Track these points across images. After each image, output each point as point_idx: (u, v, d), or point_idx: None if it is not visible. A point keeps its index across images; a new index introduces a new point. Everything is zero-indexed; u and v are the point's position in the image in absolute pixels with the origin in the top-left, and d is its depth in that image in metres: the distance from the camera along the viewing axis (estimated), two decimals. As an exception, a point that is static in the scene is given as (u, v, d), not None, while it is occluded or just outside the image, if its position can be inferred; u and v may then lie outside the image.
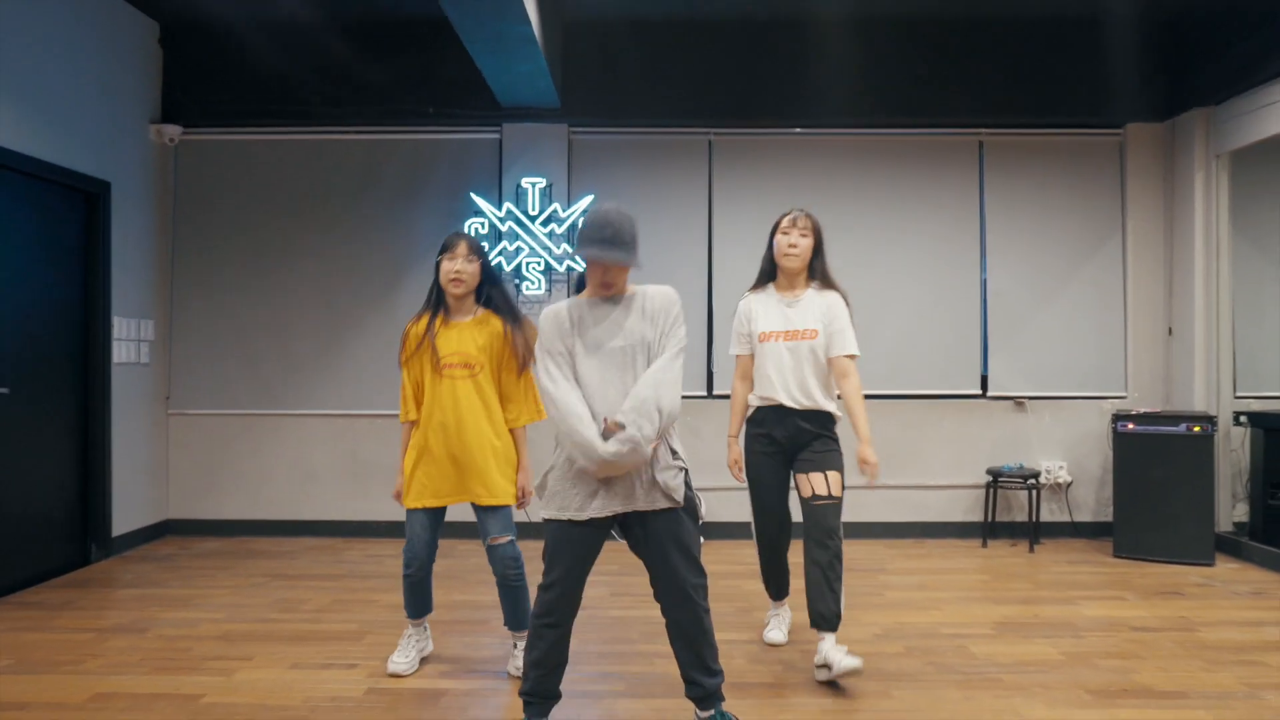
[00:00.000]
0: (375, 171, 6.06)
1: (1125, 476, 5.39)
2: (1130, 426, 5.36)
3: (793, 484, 3.62)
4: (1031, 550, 5.59)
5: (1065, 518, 5.95)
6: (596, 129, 6.05)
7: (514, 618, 3.42)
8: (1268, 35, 5.05)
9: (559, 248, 5.87)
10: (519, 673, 3.34)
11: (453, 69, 5.78)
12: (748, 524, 5.97)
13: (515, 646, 3.48)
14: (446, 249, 3.31)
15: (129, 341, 5.58)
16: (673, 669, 3.16)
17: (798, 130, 6.09)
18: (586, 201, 5.88)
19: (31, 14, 4.69)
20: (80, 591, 4.64)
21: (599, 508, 2.68)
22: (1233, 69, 5.36)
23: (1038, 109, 5.95)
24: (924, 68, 5.92)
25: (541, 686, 2.75)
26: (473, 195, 5.91)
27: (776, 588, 3.87)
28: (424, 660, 3.57)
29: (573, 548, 2.71)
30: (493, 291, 3.40)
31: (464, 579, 4.89)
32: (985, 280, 6.05)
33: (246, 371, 6.03)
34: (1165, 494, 5.26)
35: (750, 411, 3.67)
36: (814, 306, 3.55)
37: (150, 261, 5.84)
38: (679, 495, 2.72)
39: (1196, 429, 5.22)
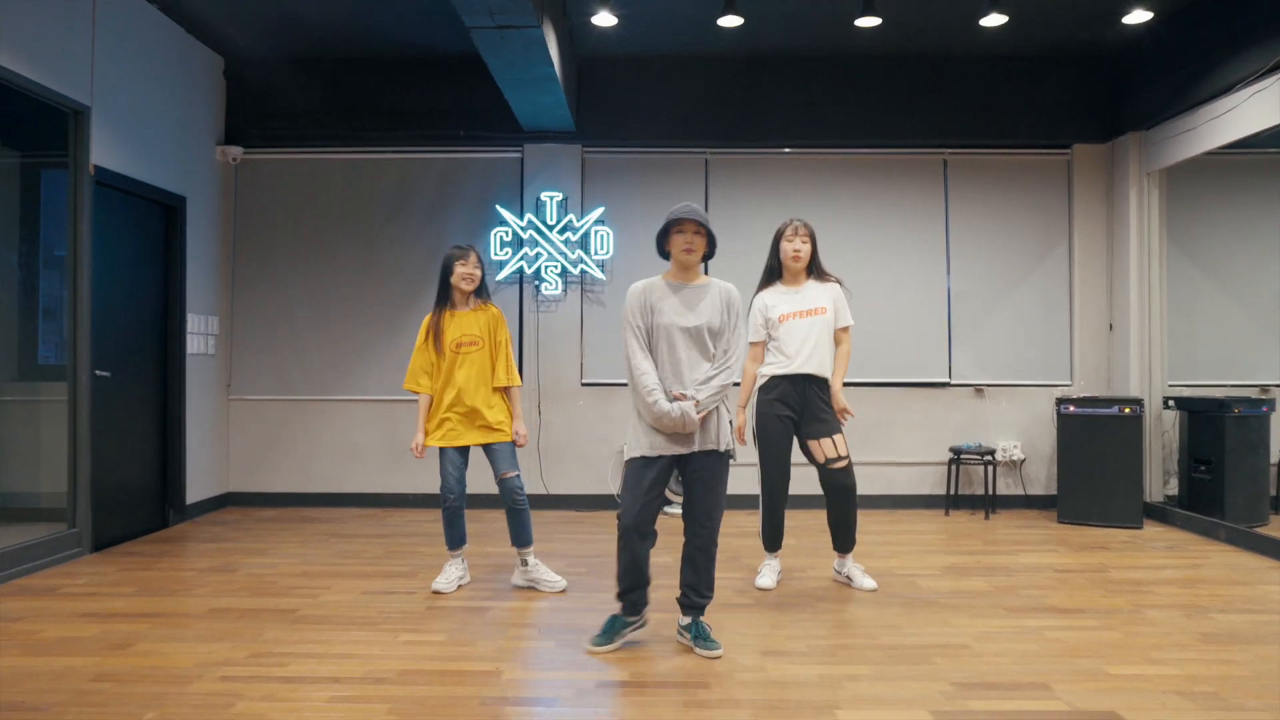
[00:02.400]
0: (411, 186, 6.89)
1: (1067, 452, 6.19)
2: (1071, 408, 6.17)
3: (798, 453, 4.44)
4: (987, 518, 6.39)
5: (1019, 490, 6.76)
6: (607, 149, 6.87)
7: (519, 537, 4.38)
8: (1190, 70, 5.85)
9: (574, 253, 6.69)
10: (526, 582, 4.41)
11: (480, 98, 6.60)
12: (740, 495, 6.79)
13: (521, 563, 4.42)
14: (459, 257, 4.32)
15: (199, 335, 6.41)
16: (671, 594, 4.00)
17: (786, 150, 6.91)
18: (599, 212, 6.70)
19: (123, 53, 5.51)
20: (169, 545, 5.46)
21: (664, 448, 3.40)
22: (1162, 98, 6.16)
23: (996, 131, 6.78)
24: (896, 95, 6.75)
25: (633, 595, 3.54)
26: (497, 207, 6.74)
27: (772, 540, 4.54)
28: (462, 587, 4.38)
29: (643, 478, 3.40)
30: (484, 288, 4.44)
31: (493, 538, 5.70)
32: (950, 282, 6.86)
33: (298, 362, 6.86)
34: (1101, 467, 6.06)
35: (763, 380, 4.41)
36: (818, 292, 4.42)
37: (216, 265, 6.67)
38: (725, 444, 3.47)
39: (1126, 410, 6.02)
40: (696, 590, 3.53)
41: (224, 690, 3.03)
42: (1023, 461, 6.75)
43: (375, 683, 3.11)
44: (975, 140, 6.82)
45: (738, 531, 5.86)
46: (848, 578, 4.51)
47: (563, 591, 4.32)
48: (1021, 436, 6.78)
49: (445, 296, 4.38)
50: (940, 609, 4.07)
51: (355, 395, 6.84)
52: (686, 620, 3.56)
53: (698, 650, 3.45)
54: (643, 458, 3.43)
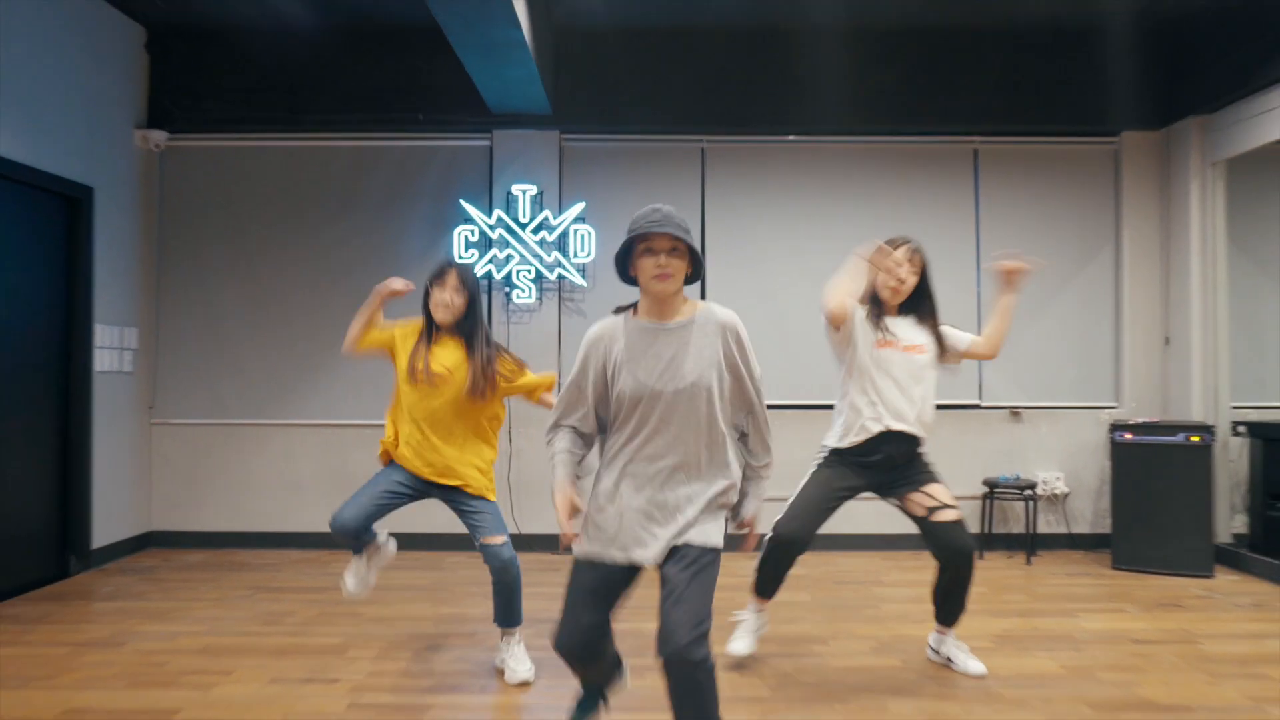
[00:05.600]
0: (364, 178, 5.99)
1: (1123, 487, 5.32)
2: (1128, 436, 5.30)
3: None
4: (1029, 562, 5.52)
5: (1063, 529, 5.88)
6: (588, 136, 5.99)
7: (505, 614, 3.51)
8: (1264, 42, 5.02)
9: (550, 255, 5.80)
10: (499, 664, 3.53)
11: (443, 75, 5.72)
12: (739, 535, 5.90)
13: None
14: (438, 276, 3.38)
15: (111, 349, 5.48)
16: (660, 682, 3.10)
17: (792, 138, 6.04)
18: (579, 209, 5.81)
19: (14, 17, 4.61)
20: (57, 605, 4.52)
21: (609, 550, 2.42)
22: (1228, 76, 5.32)
23: (1033, 116, 5.91)
24: (919, 75, 5.88)
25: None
26: (462, 202, 5.84)
27: (765, 586, 3.61)
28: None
29: (580, 585, 2.44)
30: (474, 328, 3.42)
31: (452, 590, 4.79)
32: (980, 288, 5.99)
33: (232, 380, 5.94)
34: (1163, 505, 5.20)
35: (835, 443, 3.48)
36: (914, 330, 3.47)
37: (134, 268, 5.74)
38: (716, 539, 2.41)
39: (1195, 439, 5.16)
40: None
41: None
42: (1066, 495, 5.87)
43: None
44: (1010, 127, 5.95)
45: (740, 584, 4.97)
46: (948, 659, 3.61)
47: (524, 684, 3.40)
48: (1064, 467, 5.91)
49: (429, 321, 3.45)
50: (1004, 704, 3.19)
51: (298, 419, 5.91)
52: None
53: None
54: (582, 560, 2.45)
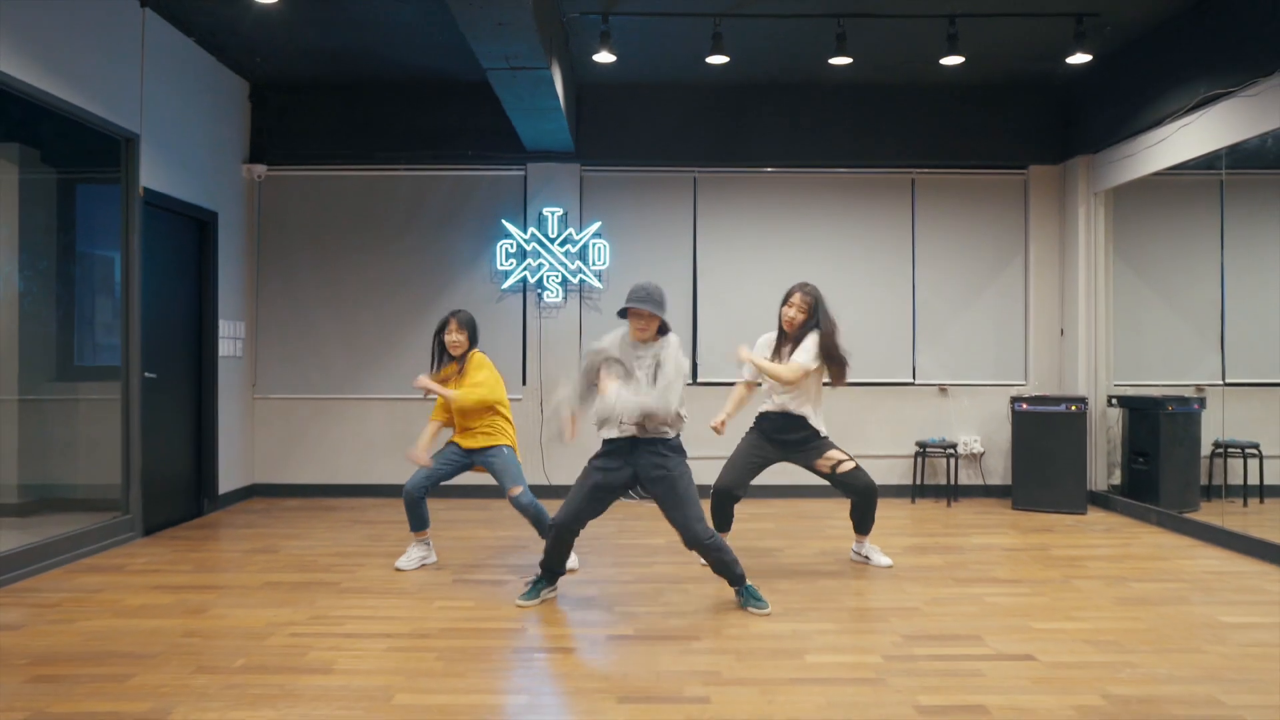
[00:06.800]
0: (423, 201, 7.47)
1: (1020, 446, 6.85)
2: (1024, 406, 6.83)
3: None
4: (949, 506, 7.05)
5: (979, 481, 7.42)
6: (603, 168, 7.48)
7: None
8: (1131, 102, 6.50)
9: (573, 264, 7.29)
10: None
11: (487, 120, 7.18)
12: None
13: None
14: (444, 328, 4.89)
15: (229, 339, 6.97)
16: (662, 569, 4.64)
17: (768, 169, 7.53)
18: (596, 226, 7.31)
19: (166, 82, 6.04)
20: (209, 530, 6.03)
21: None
22: (1106, 126, 6.82)
23: (959, 153, 7.43)
24: (868, 121, 7.39)
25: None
26: (503, 221, 7.33)
27: (717, 524, 4.93)
28: (438, 567, 4.98)
29: (586, 481, 4.12)
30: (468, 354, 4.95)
31: (503, 523, 6.30)
32: (915, 290, 7.50)
33: (318, 363, 7.43)
34: (1050, 459, 6.72)
35: (759, 413, 4.94)
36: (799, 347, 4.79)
37: (242, 274, 7.23)
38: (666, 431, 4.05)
39: (1073, 408, 6.69)
40: (728, 581, 4.18)
41: (296, 644, 3.63)
42: (982, 454, 7.41)
43: (421, 637, 3.71)
44: (940, 162, 7.47)
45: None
46: (865, 557, 5.09)
47: (574, 570, 4.91)
48: (981, 431, 7.43)
49: (443, 356, 4.95)
50: (899, 580, 4.71)
51: (371, 394, 7.42)
52: (734, 589, 4.20)
53: (750, 609, 4.09)
54: (590, 465, 4.12)
